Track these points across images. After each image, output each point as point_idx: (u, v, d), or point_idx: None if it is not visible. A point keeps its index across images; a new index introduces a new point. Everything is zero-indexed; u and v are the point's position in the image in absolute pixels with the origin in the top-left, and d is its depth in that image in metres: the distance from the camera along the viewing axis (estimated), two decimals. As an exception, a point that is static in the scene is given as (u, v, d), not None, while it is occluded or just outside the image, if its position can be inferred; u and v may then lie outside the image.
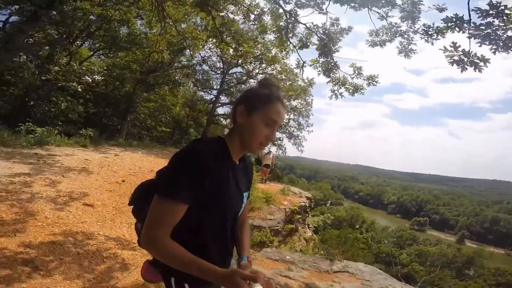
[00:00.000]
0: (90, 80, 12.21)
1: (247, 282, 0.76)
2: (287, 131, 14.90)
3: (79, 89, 10.53)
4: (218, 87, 16.38)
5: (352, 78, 4.57)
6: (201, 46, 7.94)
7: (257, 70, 14.19)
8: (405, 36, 3.86)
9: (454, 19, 2.85)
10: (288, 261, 4.08)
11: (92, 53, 13.86)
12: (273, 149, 15.70)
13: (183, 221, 0.88)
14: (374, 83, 4.58)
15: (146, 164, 7.25)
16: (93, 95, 12.17)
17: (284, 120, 1.01)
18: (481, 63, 2.85)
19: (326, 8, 4.06)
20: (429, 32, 3.78)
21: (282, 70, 13.00)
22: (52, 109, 9.20)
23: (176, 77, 15.28)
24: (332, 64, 4.41)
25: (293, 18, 4.31)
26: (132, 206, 1.14)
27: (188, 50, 9.06)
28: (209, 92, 17.45)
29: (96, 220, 3.64)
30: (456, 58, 2.96)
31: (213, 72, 16.43)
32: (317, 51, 4.45)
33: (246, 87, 15.87)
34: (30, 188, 3.73)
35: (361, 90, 5.07)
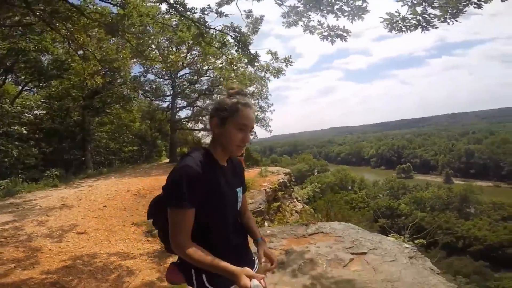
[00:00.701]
0: (32, 117, 11.94)
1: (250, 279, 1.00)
2: (251, 116, 15.86)
3: (24, 131, 10.34)
4: (171, 92, 16.62)
5: (272, 62, 5.55)
6: (130, 65, 8.05)
7: (206, 67, 14.66)
8: (305, 15, 4.31)
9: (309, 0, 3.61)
10: (269, 234, 4.56)
11: (20, 88, 13.24)
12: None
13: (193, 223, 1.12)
14: (290, 63, 5.65)
15: (121, 186, 7.79)
16: (42, 134, 12.00)
17: (254, 121, 1.27)
18: (344, 34, 3.70)
19: (236, 3, 4.75)
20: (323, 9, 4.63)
21: (232, 61, 13.62)
22: (5, 159, 9.17)
23: (124, 93, 15.13)
24: (252, 55, 5.27)
25: (203, 26, 4.99)
26: (151, 220, 1.40)
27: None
28: (163, 99, 17.64)
29: (93, 243, 4.32)
30: (325, 33, 3.80)
31: (161, 79, 16.59)
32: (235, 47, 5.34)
33: (200, 85, 16.26)
34: (23, 231, 4.29)
35: (282, 72, 6.05)
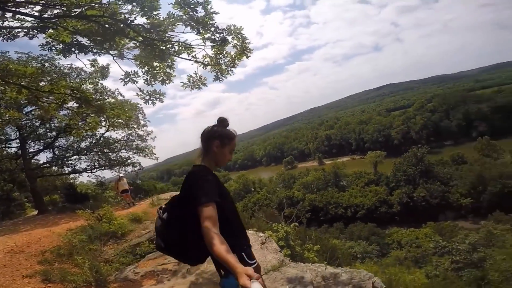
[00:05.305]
0: None
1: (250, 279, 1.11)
2: (131, 148, 15.19)
3: None
4: (17, 134, 13.73)
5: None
6: None
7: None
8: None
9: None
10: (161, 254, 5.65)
11: None
12: (129, 168, 15.71)
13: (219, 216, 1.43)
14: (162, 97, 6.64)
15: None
16: None
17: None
18: (161, 96, 5.16)
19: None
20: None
21: (95, 91, 12.75)
22: None
23: None
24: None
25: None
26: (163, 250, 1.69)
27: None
28: (8, 144, 14.32)
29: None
30: (146, 98, 5.15)
31: (-3, 122, 13.33)
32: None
33: (57, 122, 14.08)
34: None
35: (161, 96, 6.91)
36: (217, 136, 1.73)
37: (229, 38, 3.79)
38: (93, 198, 14.46)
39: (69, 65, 10.57)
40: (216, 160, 1.74)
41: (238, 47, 3.99)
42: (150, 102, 5.00)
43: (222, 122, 1.79)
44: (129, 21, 3.20)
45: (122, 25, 3.26)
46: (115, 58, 4.21)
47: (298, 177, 63.76)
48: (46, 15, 3.32)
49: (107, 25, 3.30)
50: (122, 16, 3.18)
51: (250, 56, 4.20)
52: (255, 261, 1.76)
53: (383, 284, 3.20)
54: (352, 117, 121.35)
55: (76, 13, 3.22)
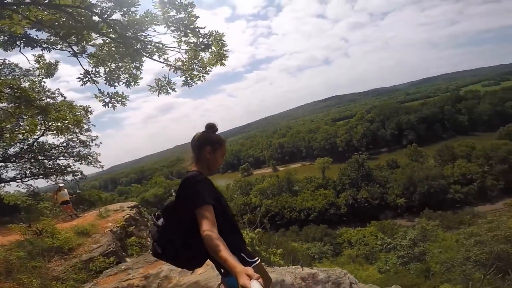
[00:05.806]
0: None
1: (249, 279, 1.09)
2: (72, 154, 13.56)
3: None
4: None
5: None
6: None
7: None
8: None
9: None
10: (125, 268, 5.04)
11: None
12: (68, 177, 14.03)
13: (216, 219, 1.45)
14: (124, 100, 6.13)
15: None
16: None
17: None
18: (123, 99, 4.72)
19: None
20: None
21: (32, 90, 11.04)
22: None
23: None
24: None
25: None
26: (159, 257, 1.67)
27: None
28: None
29: None
30: (106, 100, 4.63)
31: None
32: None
33: None
34: None
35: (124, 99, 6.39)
36: (209, 142, 1.76)
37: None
38: (25, 210, 12.54)
39: (1, 60, 9.05)
40: (209, 165, 1.77)
41: (215, 54, 3.93)
42: (110, 105, 4.56)
43: (211, 127, 1.81)
44: (105, 16, 2.89)
45: (97, 19, 2.92)
46: (78, 54, 3.74)
47: (255, 184, 64.80)
48: (8, 1, 2.78)
49: (78, 17, 2.93)
50: (98, 9, 2.85)
51: (224, 64, 4.14)
52: (256, 258, 1.78)
53: (356, 279, 3.41)
54: (303, 126, 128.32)
55: (46, 1, 2.78)
